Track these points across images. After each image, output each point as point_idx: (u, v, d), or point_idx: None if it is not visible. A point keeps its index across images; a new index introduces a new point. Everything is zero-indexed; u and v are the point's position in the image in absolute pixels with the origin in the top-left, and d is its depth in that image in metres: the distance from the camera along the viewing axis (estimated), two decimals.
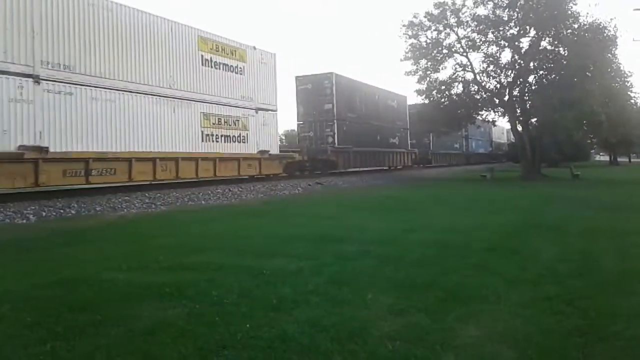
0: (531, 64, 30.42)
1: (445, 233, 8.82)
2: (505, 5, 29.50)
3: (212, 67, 19.68)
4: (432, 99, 31.85)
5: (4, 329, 4.08)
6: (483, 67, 31.73)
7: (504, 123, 47.11)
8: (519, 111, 31.77)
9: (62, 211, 12.37)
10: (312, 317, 4.28)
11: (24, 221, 11.11)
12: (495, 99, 31.75)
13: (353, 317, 4.29)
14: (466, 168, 49.51)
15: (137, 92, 16.38)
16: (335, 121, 29.30)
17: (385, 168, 37.55)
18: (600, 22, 28.64)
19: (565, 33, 28.71)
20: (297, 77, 30.62)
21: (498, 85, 31.77)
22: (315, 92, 29.69)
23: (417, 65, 31.40)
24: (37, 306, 4.64)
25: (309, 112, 29.93)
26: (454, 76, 31.81)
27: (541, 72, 30.91)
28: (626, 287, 5.34)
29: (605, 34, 28.48)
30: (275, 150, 23.38)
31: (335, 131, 29.26)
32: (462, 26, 30.72)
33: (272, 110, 23.10)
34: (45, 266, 6.28)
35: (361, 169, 32.90)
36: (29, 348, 3.67)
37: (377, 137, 34.80)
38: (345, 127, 30.18)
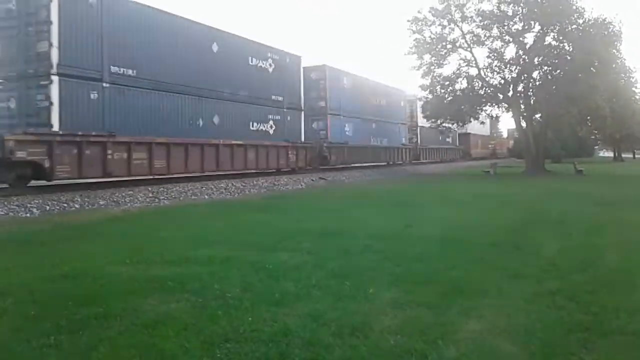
0: (536, 59, 30.27)
1: (447, 228, 8.80)
2: (510, 0, 29.36)
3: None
4: (435, 94, 31.79)
5: (7, 322, 4.11)
6: (487, 63, 31.65)
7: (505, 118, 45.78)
8: (523, 107, 31.66)
9: (65, 205, 12.40)
10: (314, 311, 4.29)
11: (28, 215, 11.14)
12: (499, 94, 31.64)
13: (355, 312, 4.30)
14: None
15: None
16: None
17: None
18: (605, 18, 28.56)
19: (570, 28, 28.59)
20: None
21: (502, 81, 31.65)
22: None
23: (421, 60, 31.32)
24: (41, 299, 4.66)
25: None
26: (458, 71, 31.71)
27: (545, 67, 30.78)
28: (629, 283, 5.34)
29: (610, 30, 28.36)
30: None
31: None
32: (466, 21, 30.59)
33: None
34: (49, 260, 6.30)
35: None
36: (33, 341, 3.69)
37: None
38: None
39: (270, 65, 23.16)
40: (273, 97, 23.37)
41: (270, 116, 23.31)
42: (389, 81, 53.50)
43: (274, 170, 23.74)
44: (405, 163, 39.45)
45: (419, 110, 40.28)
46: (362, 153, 32.04)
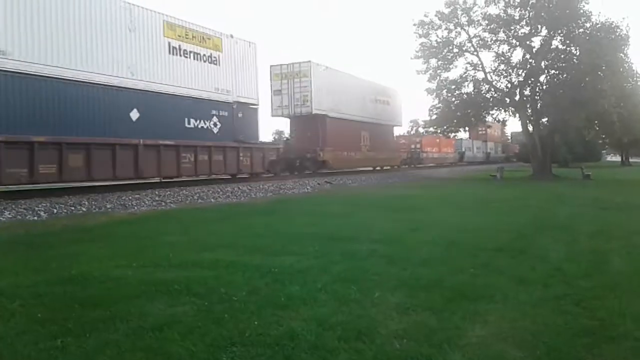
0: (542, 63, 30.22)
1: (453, 232, 8.78)
2: (516, 4, 29.36)
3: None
4: (442, 98, 31.77)
5: (15, 325, 4.13)
6: (494, 67, 31.61)
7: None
8: (529, 111, 31.59)
9: (73, 208, 12.48)
10: (319, 315, 4.29)
11: (35, 218, 11.21)
12: (506, 98, 31.58)
13: (360, 316, 4.30)
14: None
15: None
16: None
17: None
18: (613, 22, 28.47)
19: (577, 32, 28.53)
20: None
21: (509, 85, 31.61)
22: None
23: (427, 64, 31.32)
24: (48, 302, 4.69)
25: None
26: (464, 75, 31.67)
27: (553, 71, 30.71)
28: (636, 288, 5.30)
29: (617, 34, 28.28)
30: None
31: None
32: (473, 25, 30.63)
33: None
34: (56, 263, 6.34)
35: None
36: (40, 343, 3.71)
37: None
38: None
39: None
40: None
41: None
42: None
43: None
44: None
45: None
46: None
